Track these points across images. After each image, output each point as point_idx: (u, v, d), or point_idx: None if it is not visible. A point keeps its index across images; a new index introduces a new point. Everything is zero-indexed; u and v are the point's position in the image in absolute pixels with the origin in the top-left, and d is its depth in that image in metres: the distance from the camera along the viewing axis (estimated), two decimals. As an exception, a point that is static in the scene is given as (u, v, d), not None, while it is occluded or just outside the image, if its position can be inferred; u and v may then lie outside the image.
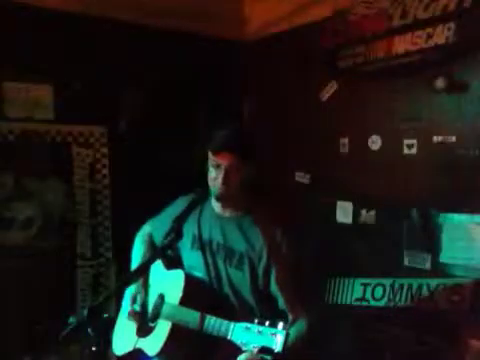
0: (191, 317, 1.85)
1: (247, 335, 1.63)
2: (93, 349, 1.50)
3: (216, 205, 2.07)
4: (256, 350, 1.59)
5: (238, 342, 1.65)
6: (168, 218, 2.11)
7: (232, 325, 1.70)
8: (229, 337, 1.69)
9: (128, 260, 2.28)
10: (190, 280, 2.00)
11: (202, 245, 2.07)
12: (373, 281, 2.77)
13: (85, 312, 1.52)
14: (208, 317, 1.81)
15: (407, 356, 2.61)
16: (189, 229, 2.08)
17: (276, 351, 1.55)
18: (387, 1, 2.66)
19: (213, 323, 1.79)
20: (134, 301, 2.07)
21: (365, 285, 2.81)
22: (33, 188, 2.82)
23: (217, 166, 1.94)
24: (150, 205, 2.30)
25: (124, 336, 2.13)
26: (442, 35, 2.42)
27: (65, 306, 2.85)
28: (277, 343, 1.55)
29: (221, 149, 1.92)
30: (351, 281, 2.87)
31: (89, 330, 1.50)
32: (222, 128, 2.02)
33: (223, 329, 1.74)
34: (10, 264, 2.73)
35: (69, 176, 2.94)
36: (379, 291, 2.74)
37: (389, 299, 2.70)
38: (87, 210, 3.00)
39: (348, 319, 2.88)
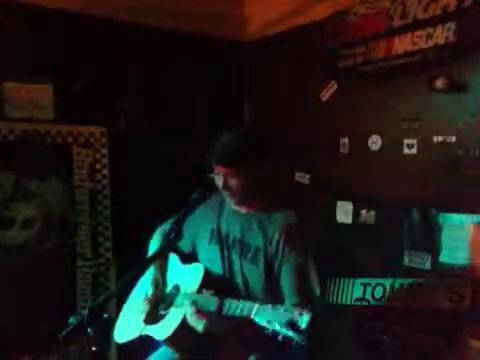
0: (210, 300, 1.88)
1: (273, 313, 1.63)
2: (93, 349, 1.50)
3: (232, 203, 2.13)
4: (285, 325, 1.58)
5: (263, 321, 1.64)
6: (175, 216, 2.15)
7: (256, 305, 1.70)
8: (252, 316, 1.69)
9: (128, 260, 2.28)
10: (208, 273, 2.06)
11: (220, 239, 2.13)
12: (373, 281, 2.77)
13: (85, 312, 1.52)
14: (228, 300, 1.83)
15: (407, 356, 2.61)
16: (208, 225, 2.17)
17: (301, 328, 1.55)
18: (387, 1, 2.66)
19: (235, 305, 1.79)
20: (156, 285, 2.13)
21: (365, 285, 2.81)
22: (33, 188, 2.82)
23: (218, 173, 2.02)
24: (150, 205, 2.30)
25: (129, 324, 2.16)
26: (442, 35, 2.43)
27: (65, 306, 2.85)
28: (303, 321, 1.56)
29: (216, 162, 2.00)
30: (351, 281, 2.87)
31: (89, 330, 1.50)
32: (221, 133, 2.06)
33: (246, 309, 1.74)
34: (10, 264, 2.73)
35: (69, 176, 2.94)
36: (379, 291, 2.74)
37: (389, 299, 2.69)
38: (87, 210, 3.00)
39: (348, 319, 2.88)
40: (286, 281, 1.98)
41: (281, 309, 1.63)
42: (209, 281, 2.02)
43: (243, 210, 2.11)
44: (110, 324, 1.72)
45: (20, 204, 2.79)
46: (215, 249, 2.12)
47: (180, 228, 1.91)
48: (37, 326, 2.74)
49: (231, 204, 2.13)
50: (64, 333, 1.52)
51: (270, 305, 1.67)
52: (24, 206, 2.80)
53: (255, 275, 2.02)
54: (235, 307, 1.79)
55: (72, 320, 1.53)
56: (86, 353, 1.52)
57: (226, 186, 2.00)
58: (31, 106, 2.81)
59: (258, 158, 2.03)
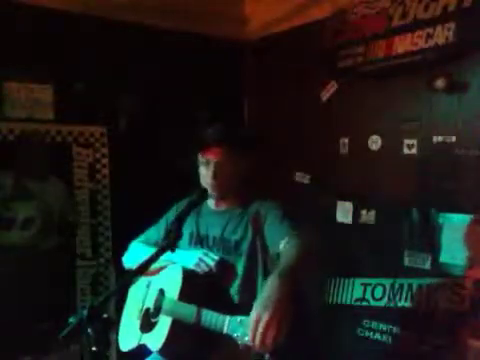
0: (189, 312, 1.88)
1: (241, 328, 1.65)
2: (93, 349, 1.50)
3: (211, 202, 2.14)
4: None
5: (234, 335, 1.67)
6: (166, 221, 2.18)
7: (227, 319, 1.73)
8: (225, 331, 1.72)
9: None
10: (188, 274, 2.03)
11: (200, 241, 2.13)
12: (373, 281, 2.77)
13: (85, 312, 1.52)
14: (205, 312, 1.83)
15: (407, 356, 2.61)
16: (187, 228, 2.13)
17: None
18: (387, 1, 2.66)
19: (210, 318, 1.81)
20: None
21: (365, 285, 2.81)
22: (33, 188, 2.82)
23: (207, 163, 2.01)
24: (150, 205, 2.30)
25: (129, 333, 2.16)
26: (442, 35, 2.42)
27: (65, 306, 2.85)
28: None
29: (209, 144, 1.99)
30: (351, 281, 2.87)
31: (89, 330, 1.50)
32: (210, 127, 2.09)
33: (219, 324, 1.76)
34: (10, 264, 2.73)
35: (69, 176, 2.94)
36: (379, 291, 2.74)
37: (389, 299, 2.70)
38: (87, 210, 3.00)
39: (348, 319, 2.88)
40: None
41: (247, 322, 1.61)
42: (189, 285, 2.00)
43: (223, 207, 2.12)
44: (110, 324, 1.72)
45: (20, 204, 2.79)
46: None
47: (180, 227, 1.91)
48: (37, 326, 2.74)
49: (210, 203, 2.14)
50: (64, 333, 1.51)
51: (239, 318, 1.67)
52: (24, 206, 2.80)
53: (241, 267, 2.02)
54: (210, 319, 1.80)
55: (72, 320, 1.53)
56: (86, 353, 1.52)
57: (217, 175, 1.99)
58: (31, 106, 2.81)
59: (244, 152, 2.04)
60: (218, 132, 2.06)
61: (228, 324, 1.71)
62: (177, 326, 1.93)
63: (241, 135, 2.09)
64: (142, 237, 2.34)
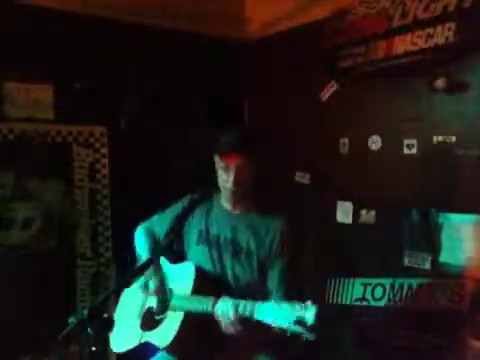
0: (204, 303, 1.87)
1: (277, 311, 1.64)
2: (93, 349, 1.50)
3: (226, 204, 2.12)
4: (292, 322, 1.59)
5: (267, 320, 1.65)
6: (170, 216, 2.16)
7: (257, 304, 1.72)
8: (254, 316, 1.71)
9: (128, 260, 2.28)
10: (200, 272, 2.03)
11: (208, 241, 2.11)
12: (373, 281, 2.77)
13: (85, 312, 1.52)
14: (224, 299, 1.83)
15: (407, 356, 2.61)
16: (196, 226, 2.13)
17: (309, 324, 1.57)
18: (387, 1, 2.66)
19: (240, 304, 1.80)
20: (146, 288, 2.08)
21: (365, 285, 2.81)
22: (33, 188, 2.82)
23: (226, 168, 1.98)
24: (150, 205, 2.30)
25: (126, 333, 2.14)
26: (442, 35, 2.42)
27: (65, 306, 2.85)
28: (310, 316, 1.58)
29: (229, 151, 1.97)
30: (351, 281, 2.87)
31: (89, 330, 1.50)
32: (226, 131, 2.06)
33: (248, 308, 1.75)
34: (10, 264, 2.73)
35: (69, 176, 2.94)
36: (379, 291, 2.74)
37: (389, 299, 2.70)
38: (87, 210, 3.00)
39: (348, 319, 2.88)
40: (275, 281, 2.01)
41: (284, 306, 1.63)
42: (202, 280, 2.00)
43: (237, 211, 2.11)
44: (110, 324, 1.72)
45: (20, 204, 2.79)
46: (203, 250, 2.10)
47: (181, 228, 1.91)
48: (37, 326, 2.74)
49: (225, 204, 2.12)
50: (64, 333, 1.51)
51: (272, 303, 1.68)
52: (24, 206, 2.80)
53: (247, 274, 2.03)
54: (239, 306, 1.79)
55: (72, 320, 1.53)
56: (86, 353, 1.52)
57: (237, 180, 1.97)
58: (31, 106, 2.81)
59: (257, 155, 2.04)
60: (237, 138, 2.04)
61: (259, 308, 1.70)
62: (188, 320, 1.92)
63: (254, 141, 2.08)
64: (147, 223, 2.33)
